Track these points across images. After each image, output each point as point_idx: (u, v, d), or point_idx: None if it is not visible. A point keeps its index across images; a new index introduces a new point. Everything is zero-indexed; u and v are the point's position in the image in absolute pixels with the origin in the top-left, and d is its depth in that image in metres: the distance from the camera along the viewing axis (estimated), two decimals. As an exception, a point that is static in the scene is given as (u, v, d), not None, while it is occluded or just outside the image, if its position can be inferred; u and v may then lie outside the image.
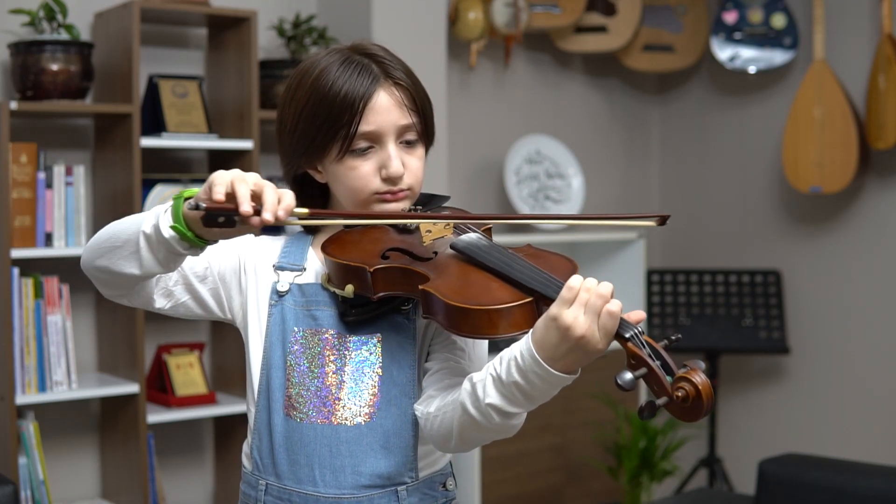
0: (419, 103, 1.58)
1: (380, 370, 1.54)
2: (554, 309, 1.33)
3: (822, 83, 4.11)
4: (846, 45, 4.19)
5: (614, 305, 1.31)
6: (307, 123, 1.55)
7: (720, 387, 4.54)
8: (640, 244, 4.37)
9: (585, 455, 4.20)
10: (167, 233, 1.39)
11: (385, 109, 1.54)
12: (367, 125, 1.53)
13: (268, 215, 1.32)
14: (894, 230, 4.13)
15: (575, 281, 1.33)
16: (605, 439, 4.21)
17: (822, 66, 4.12)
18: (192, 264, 1.59)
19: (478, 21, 4.07)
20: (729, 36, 4.38)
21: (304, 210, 1.40)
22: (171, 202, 1.41)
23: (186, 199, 1.38)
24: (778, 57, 4.31)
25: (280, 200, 1.34)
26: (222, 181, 1.34)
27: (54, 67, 3.09)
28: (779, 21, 4.30)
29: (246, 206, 1.32)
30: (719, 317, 4.38)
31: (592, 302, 1.31)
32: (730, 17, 4.38)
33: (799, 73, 4.35)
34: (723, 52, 4.39)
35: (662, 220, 1.48)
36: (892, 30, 3.98)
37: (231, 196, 1.34)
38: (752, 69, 4.36)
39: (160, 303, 1.59)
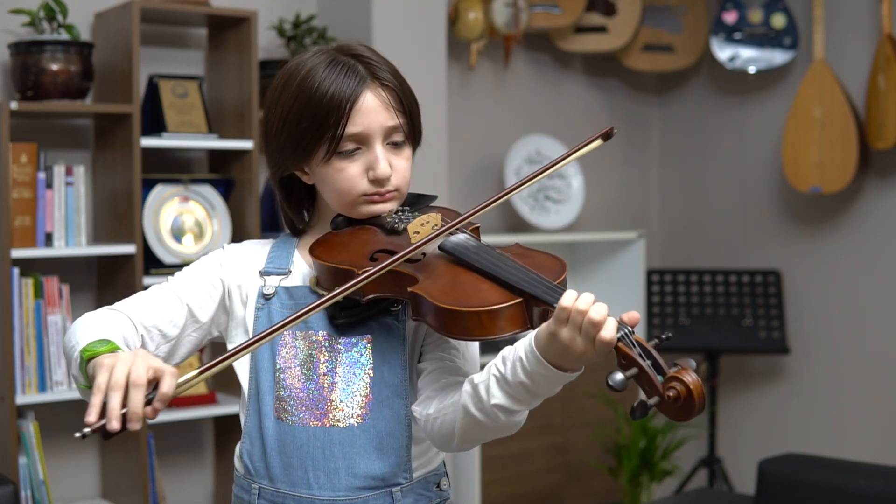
0: (406, 104, 1.57)
1: (371, 371, 1.54)
2: (552, 325, 1.33)
3: (821, 83, 4.11)
4: (846, 45, 4.19)
5: (607, 332, 1.30)
6: (293, 125, 1.54)
7: (720, 387, 4.53)
8: (640, 244, 4.36)
9: (585, 455, 4.19)
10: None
11: (372, 111, 1.53)
12: (353, 127, 1.52)
13: (134, 425, 1.26)
14: (894, 230, 4.13)
15: (567, 300, 1.32)
16: (605, 439, 4.21)
17: (822, 66, 4.12)
18: (163, 327, 1.56)
19: (478, 21, 4.07)
20: (729, 36, 4.37)
21: (191, 373, 1.32)
22: (80, 352, 1.37)
23: (89, 358, 1.34)
24: (778, 57, 4.31)
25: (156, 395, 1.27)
26: (98, 389, 1.26)
27: (54, 67, 3.09)
28: (779, 21, 4.30)
29: (115, 424, 1.25)
30: (719, 317, 4.38)
31: (585, 328, 1.31)
32: (730, 17, 4.38)
33: (799, 73, 4.35)
34: (723, 52, 4.38)
35: (607, 136, 1.51)
36: (891, 30, 3.98)
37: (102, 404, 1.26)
38: (751, 69, 4.35)
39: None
